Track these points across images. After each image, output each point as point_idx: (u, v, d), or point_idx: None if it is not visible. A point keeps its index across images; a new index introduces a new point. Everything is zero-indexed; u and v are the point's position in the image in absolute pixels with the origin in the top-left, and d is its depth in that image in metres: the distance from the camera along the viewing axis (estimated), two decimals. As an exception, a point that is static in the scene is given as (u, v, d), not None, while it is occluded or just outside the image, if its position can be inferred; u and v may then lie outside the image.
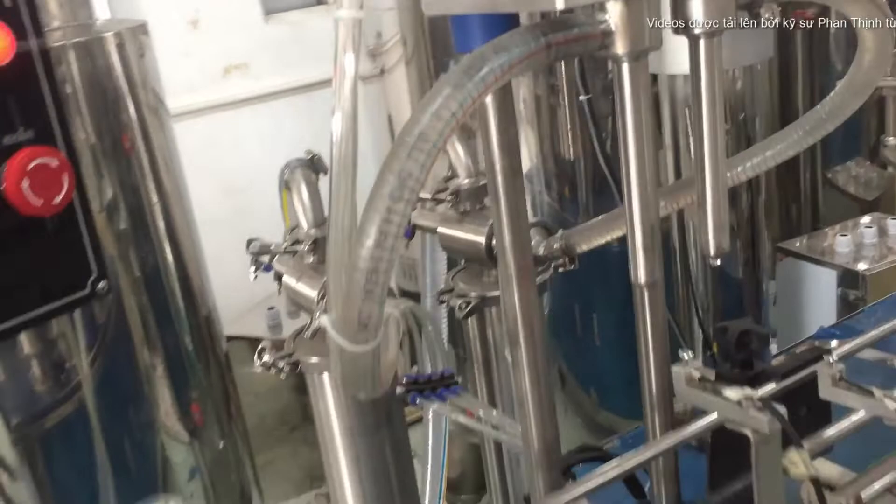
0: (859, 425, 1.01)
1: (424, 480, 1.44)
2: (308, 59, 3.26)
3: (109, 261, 1.35)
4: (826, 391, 0.96)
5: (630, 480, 1.25)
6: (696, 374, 0.86)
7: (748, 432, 0.82)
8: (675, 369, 0.89)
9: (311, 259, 1.32)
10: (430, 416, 1.28)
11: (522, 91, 2.30)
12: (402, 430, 1.39)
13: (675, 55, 1.04)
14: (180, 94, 3.18)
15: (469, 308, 1.37)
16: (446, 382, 1.28)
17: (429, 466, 1.37)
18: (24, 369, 1.29)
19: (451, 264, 1.60)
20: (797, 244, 2.76)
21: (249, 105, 3.33)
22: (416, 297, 1.88)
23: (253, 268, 1.58)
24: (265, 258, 1.49)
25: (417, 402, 1.28)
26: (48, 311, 0.91)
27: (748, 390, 0.82)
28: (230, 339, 2.16)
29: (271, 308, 2.93)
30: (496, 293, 1.39)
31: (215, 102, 3.24)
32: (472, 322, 1.44)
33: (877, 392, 0.91)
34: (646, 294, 0.93)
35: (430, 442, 1.29)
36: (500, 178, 0.99)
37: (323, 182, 1.47)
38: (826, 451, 1.14)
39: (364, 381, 0.84)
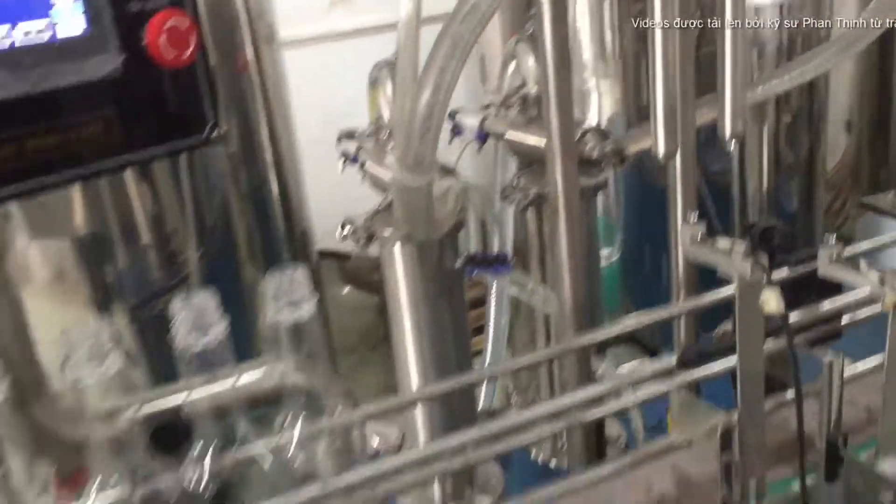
0: (854, 302, 1.16)
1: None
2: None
3: (219, 178, 1.58)
4: (824, 269, 1.11)
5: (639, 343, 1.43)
6: (700, 233, 1.03)
7: (735, 278, 0.98)
8: (682, 228, 1.06)
9: (391, 145, 1.52)
10: (493, 291, 1.49)
11: (609, 44, 2.43)
12: (462, 305, 1.60)
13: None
14: (287, 24, 3.43)
15: (528, 201, 1.55)
16: (501, 260, 1.48)
17: (490, 337, 1.58)
18: (143, 256, 1.54)
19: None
20: (881, 200, 2.82)
21: (351, 38, 3.54)
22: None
23: (341, 160, 1.81)
24: (351, 150, 1.71)
25: (475, 274, 1.49)
26: (176, 148, 1.14)
27: (738, 242, 0.98)
28: (321, 253, 2.38)
29: (360, 226, 3.18)
30: (553, 191, 1.57)
31: (320, 34, 3.47)
32: (531, 216, 1.62)
33: (863, 264, 1.05)
34: (677, 163, 1.10)
35: (493, 312, 1.50)
36: (550, 69, 1.17)
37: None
38: (833, 338, 1.29)
39: (419, 217, 1.04)
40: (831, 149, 2.64)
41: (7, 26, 0.95)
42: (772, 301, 0.93)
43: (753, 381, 1.04)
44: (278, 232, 1.90)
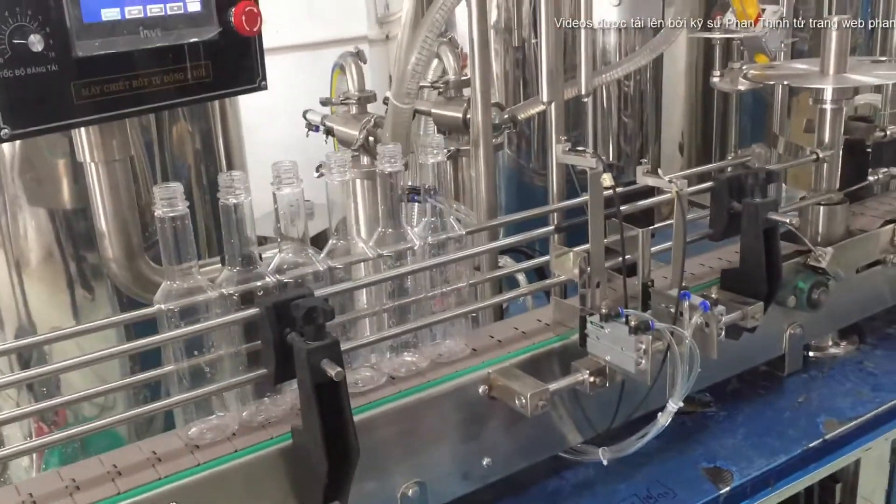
0: (659, 202, 2.01)
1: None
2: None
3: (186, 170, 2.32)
4: (639, 178, 1.94)
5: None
6: (567, 146, 1.84)
7: (587, 168, 1.79)
8: (555, 146, 1.87)
9: (354, 110, 2.28)
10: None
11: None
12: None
13: None
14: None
15: (449, 154, 2.34)
16: (432, 192, 2.27)
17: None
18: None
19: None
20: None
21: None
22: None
23: (306, 130, 2.56)
24: (316, 120, 2.47)
25: (415, 199, 2.27)
26: (242, 90, 1.86)
27: (589, 150, 1.79)
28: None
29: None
30: (466, 148, 2.37)
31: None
32: (450, 166, 2.41)
33: (660, 172, 1.89)
34: (552, 111, 1.93)
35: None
36: (477, 62, 1.97)
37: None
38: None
39: (403, 131, 1.81)
40: (669, 166, 3.57)
41: (161, 4, 1.67)
42: (607, 179, 1.75)
43: (597, 234, 1.85)
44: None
